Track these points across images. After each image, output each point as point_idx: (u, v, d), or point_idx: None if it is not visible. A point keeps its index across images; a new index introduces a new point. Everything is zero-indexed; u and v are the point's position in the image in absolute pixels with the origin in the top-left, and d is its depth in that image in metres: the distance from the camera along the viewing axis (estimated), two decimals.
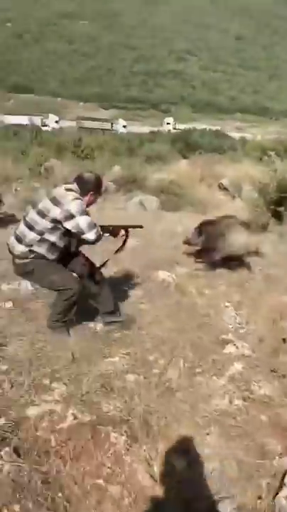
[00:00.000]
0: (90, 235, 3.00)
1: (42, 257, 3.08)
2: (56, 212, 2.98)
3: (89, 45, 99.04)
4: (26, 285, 4.05)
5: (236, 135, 37.44)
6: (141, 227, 3.56)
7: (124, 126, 66.26)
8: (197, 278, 4.48)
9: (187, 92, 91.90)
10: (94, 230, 3.00)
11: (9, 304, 3.68)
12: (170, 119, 70.11)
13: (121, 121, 68.53)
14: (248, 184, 13.43)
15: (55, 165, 14.82)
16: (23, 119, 53.68)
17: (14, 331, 3.14)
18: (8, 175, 13.25)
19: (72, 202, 2.98)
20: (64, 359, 2.79)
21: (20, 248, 3.08)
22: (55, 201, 3.01)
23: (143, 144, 31.09)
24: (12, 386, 2.47)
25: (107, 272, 4.56)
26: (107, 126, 67.62)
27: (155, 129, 61.76)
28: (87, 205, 3.13)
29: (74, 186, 3.16)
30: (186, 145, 31.59)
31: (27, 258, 3.08)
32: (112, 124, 68.84)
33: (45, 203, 3.04)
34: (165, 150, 23.31)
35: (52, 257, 3.13)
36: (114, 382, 2.57)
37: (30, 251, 3.06)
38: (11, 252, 3.17)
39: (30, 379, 2.53)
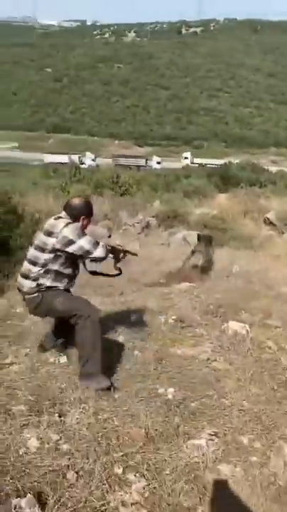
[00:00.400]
0: (98, 253, 2.94)
1: (50, 287, 3.04)
2: (53, 242, 2.93)
3: (124, 87, 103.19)
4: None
5: (273, 169, 37.07)
6: (136, 255, 3.40)
7: (158, 163, 67.12)
8: (272, 328, 3.90)
9: (220, 128, 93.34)
10: (100, 247, 2.96)
11: (63, 359, 3.22)
12: (188, 154, 69.90)
13: (156, 158, 69.50)
14: None
15: (94, 201, 14.70)
16: (62, 158, 55.55)
17: (73, 396, 2.66)
18: (50, 211, 13.19)
19: (65, 228, 2.91)
20: (136, 436, 2.27)
21: (27, 284, 3.05)
22: (49, 232, 2.96)
23: (179, 179, 31.08)
24: (79, 476, 1.96)
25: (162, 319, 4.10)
26: (142, 162, 68.72)
27: (185, 164, 61.71)
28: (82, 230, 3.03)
29: (63, 214, 3.07)
30: (222, 179, 31.34)
31: (35, 292, 3.04)
32: (147, 160, 69.88)
33: (40, 238, 3.03)
34: (202, 184, 23.10)
35: (60, 285, 3.07)
36: (205, 476, 2.01)
37: (37, 284, 3.02)
38: (20, 290, 3.14)
39: (100, 466, 2.02)
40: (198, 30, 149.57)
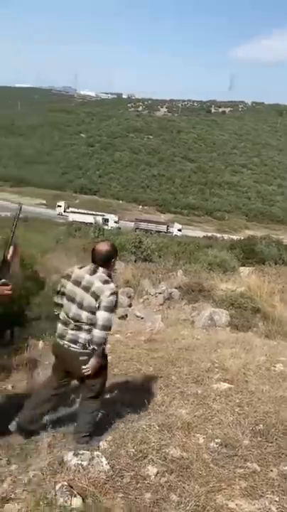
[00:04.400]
0: (97, 333, 2.97)
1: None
2: (95, 304, 3.00)
3: (152, 156, 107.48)
4: (100, 461, 2.77)
5: None
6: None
7: (179, 230, 68.04)
8: None
9: (242, 202, 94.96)
10: (106, 329, 2.98)
11: (77, 502, 2.40)
12: (179, 226, 70.70)
13: (177, 225, 70.71)
14: None
15: (117, 266, 14.27)
16: (86, 218, 56.74)
17: None
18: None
19: (109, 296, 2.98)
20: None
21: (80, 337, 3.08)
22: (94, 295, 3.00)
23: (201, 248, 30.72)
24: None
25: (201, 440, 3.25)
26: (163, 228, 69.97)
27: (210, 234, 62.35)
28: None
29: (103, 270, 3.10)
30: (245, 252, 30.87)
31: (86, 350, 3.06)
32: (168, 226, 71.13)
33: (81, 294, 3.05)
34: (227, 257, 22.58)
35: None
36: None
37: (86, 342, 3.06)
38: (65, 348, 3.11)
39: None
40: (227, 110, 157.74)
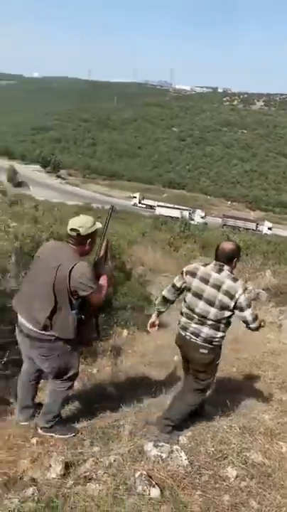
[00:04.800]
0: (255, 325, 3.19)
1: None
2: (230, 304, 3.10)
3: (245, 151, 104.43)
4: (179, 456, 2.77)
5: None
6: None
7: (269, 228, 64.91)
8: None
9: None
10: (257, 321, 3.18)
11: (155, 492, 2.43)
12: (269, 224, 66.70)
13: (267, 223, 67.53)
14: None
15: (199, 262, 14.10)
16: (173, 212, 56.68)
17: None
18: (156, 265, 12.90)
19: (243, 294, 3.12)
20: None
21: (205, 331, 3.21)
22: (228, 294, 3.10)
23: None
24: None
25: None
26: (252, 226, 67.27)
27: None
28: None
29: (228, 268, 3.19)
30: None
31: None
32: (257, 224, 68.24)
33: (214, 294, 3.13)
34: None
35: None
36: None
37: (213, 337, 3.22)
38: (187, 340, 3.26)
39: None
40: None
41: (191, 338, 3.20)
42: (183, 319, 3.29)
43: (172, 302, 3.45)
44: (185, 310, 3.27)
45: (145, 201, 70.08)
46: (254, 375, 4.85)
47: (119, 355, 5.66)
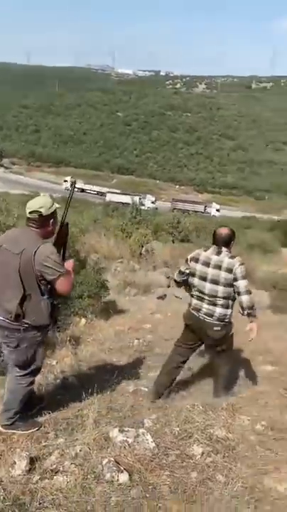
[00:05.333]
0: (246, 297, 3.43)
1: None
2: (231, 278, 3.45)
3: (190, 135, 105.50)
4: (146, 439, 2.78)
5: None
6: None
7: (217, 210, 66.49)
8: None
9: (283, 180, 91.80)
10: (249, 293, 3.45)
11: (124, 477, 2.42)
12: (217, 206, 68.80)
13: (215, 205, 69.06)
14: None
15: (155, 247, 14.25)
16: (124, 198, 56.56)
17: None
18: (110, 253, 12.84)
19: (240, 267, 3.47)
20: None
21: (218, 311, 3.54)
22: (228, 270, 3.47)
23: (241, 229, 30.06)
24: None
25: (247, 422, 3.19)
26: (200, 208, 68.65)
27: (249, 214, 60.79)
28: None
29: (226, 250, 3.58)
30: (286, 233, 30.01)
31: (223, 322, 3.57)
32: (205, 207, 69.72)
33: (217, 273, 3.50)
34: (267, 238, 22.07)
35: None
36: None
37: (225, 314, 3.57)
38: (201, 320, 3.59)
39: None
40: (268, 85, 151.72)
41: (205, 318, 3.57)
42: (194, 301, 3.66)
43: (185, 282, 3.78)
44: (195, 293, 3.65)
45: (85, 186, 68.08)
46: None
47: (78, 344, 5.59)
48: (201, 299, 3.58)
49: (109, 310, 6.87)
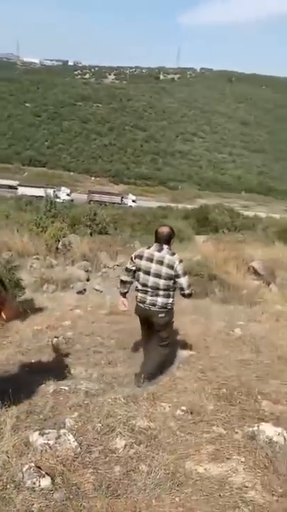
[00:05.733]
0: (189, 291, 4.04)
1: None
2: (172, 274, 3.92)
3: (102, 126, 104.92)
4: (67, 439, 2.73)
5: (245, 213, 37.48)
6: None
7: (134, 201, 67.37)
8: None
9: (194, 171, 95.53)
10: (190, 287, 4.08)
11: (45, 482, 2.35)
12: (133, 197, 71.54)
13: (131, 196, 69.85)
14: (282, 270, 12.42)
15: (72, 241, 13.98)
16: (37, 191, 54.64)
17: None
18: (24, 250, 12.35)
19: (179, 264, 3.96)
20: None
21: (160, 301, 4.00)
22: (169, 266, 3.92)
23: (157, 219, 30.74)
24: None
25: (167, 408, 3.28)
26: (117, 200, 68.98)
27: (164, 204, 62.42)
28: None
29: (167, 247, 4.01)
30: (199, 221, 31.30)
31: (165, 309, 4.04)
32: (122, 198, 70.21)
33: (159, 268, 3.94)
34: (182, 226, 22.79)
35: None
36: None
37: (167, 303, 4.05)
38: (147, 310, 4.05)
39: None
40: (175, 77, 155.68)
41: (150, 308, 4.02)
42: (140, 295, 4.07)
43: (131, 283, 4.21)
44: (140, 287, 4.06)
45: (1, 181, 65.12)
46: (133, 343, 5.01)
47: None
48: (145, 292, 4.01)
49: (26, 309, 6.62)
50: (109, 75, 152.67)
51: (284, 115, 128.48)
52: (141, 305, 4.08)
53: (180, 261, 3.97)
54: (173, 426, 3.05)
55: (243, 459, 2.63)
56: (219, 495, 2.31)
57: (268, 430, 2.80)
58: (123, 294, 4.27)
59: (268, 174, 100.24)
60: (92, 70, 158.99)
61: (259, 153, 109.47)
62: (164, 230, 4.08)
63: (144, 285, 4.00)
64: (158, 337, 4.12)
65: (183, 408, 3.26)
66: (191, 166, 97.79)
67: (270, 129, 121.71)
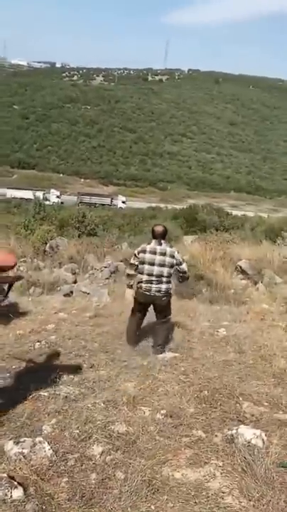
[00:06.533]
0: (188, 273, 5.13)
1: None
2: (174, 262, 4.72)
3: (90, 127, 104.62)
4: (43, 447, 2.66)
5: (234, 213, 37.63)
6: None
7: (123, 202, 67.46)
8: None
9: (183, 171, 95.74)
10: (188, 272, 5.16)
11: (18, 493, 2.28)
12: (123, 198, 71.91)
13: (121, 197, 69.98)
14: (269, 269, 12.43)
15: (60, 243, 13.88)
16: (26, 194, 54.51)
17: None
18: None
19: (178, 254, 4.85)
20: None
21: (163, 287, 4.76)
22: (171, 256, 4.72)
23: (146, 220, 30.70)
24: None
25: (147, 412, 3.23)
26: (107, 201, 69.06)
27: (154, 204, 62.42)
28: None
29: (164, 241, 4.82)
30: (187, 221, 31.33)
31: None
32: (112, 199, 70.29)
33: (159, 258, 4.69)
34: (170, 227, 22.78)
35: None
36: None
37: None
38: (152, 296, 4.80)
39: None
40: (163, 78, 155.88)
41: (155, 294, 4.75)
42: (145, 285, 4.75)
43: (135, 275, 4.87)
44: (145, 278, 4.73)
45: None
46: (116, 346, 4.95)
47: None
48: (150, 282, 4.72)
49: (9, 314, 6.51)
50: (97, 76, 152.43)
51: (271, 115, 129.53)
52: (146, 293, 4.76)
53: (178, 251, 4.89)
54: (152, 430, 2.99)
55: (221, 464, 2.58)
56: (195, 501, 2.26)
57: (247, 433, 2.76)
58: (130, 286, 5.06)
59: (257, 174, 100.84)
60: (80, 71, 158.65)
61: (247, 153, 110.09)
62: (159, 228, 4.85)
63: (150, 275, 4.69)
64: (161, 315, 4.93)
65: (163, 412, 3.21)
66: (180, 167, 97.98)
67: (258, 128, 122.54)
